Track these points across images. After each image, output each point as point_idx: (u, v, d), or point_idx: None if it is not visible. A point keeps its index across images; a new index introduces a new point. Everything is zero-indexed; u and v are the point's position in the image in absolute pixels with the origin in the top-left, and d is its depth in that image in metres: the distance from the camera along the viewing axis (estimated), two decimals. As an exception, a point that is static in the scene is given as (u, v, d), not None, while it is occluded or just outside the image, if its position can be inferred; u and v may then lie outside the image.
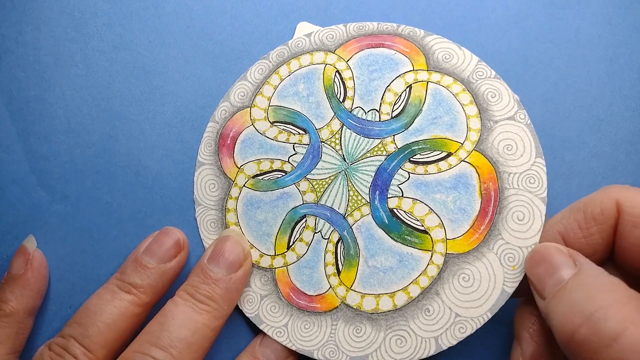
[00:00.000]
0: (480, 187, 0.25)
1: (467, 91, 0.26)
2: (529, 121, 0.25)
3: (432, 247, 0.24)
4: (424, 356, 0.23)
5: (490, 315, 0.23)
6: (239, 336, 0.26)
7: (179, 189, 0.28)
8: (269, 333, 0.25)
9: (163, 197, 0.28)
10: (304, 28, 0.29)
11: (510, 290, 0.23)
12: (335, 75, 0.28)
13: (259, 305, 0.26)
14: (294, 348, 0.25)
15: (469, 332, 0.23)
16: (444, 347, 0.23)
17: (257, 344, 0.25)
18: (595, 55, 0.27)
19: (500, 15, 0.28)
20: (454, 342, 0.23)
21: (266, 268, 0.26)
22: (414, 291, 0.24)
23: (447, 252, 0.24)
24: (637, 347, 0.16)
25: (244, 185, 0.27)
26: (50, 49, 0.29)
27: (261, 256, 0.26)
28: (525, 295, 0.23)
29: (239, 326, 0.26)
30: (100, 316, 0.23)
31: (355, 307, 0.25)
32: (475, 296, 0.23)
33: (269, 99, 0.28)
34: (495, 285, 0.23)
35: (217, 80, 0.29)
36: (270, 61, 0.29)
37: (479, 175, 0.25)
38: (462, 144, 0.25)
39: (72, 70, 0.28)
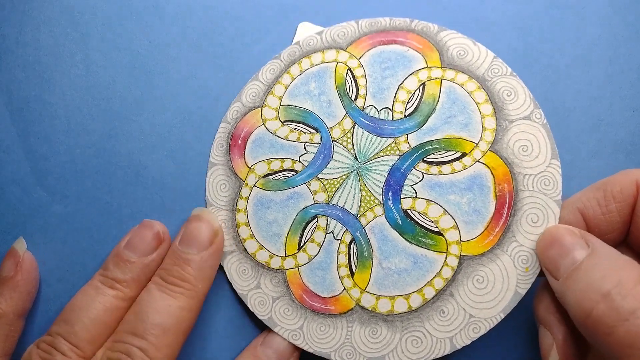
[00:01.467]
0: (495, 188, 0.25)
1: (482, 89, 0.25)
2: (545, 121, 0.25)
3: (447, 249, 0.24)
4: (439, 356, 0.24)
5: (503, 316, 0.23)
6: (239, 335, 0.26)
7: (179, 189, 0.27)
8: (285, 336, 0.25)
9: (163, 197, 0.27)
10: (305, 28, 0.28)
11: (523, 292, 0.23)
12: (347, 73, 0.27)
13: (272, 307, 0.26)
14: (310, 350, 0.25)
15: (483, 332, 0.23)
16: (459, 347, 0.24)
17: (258, 344, 0.25)
18: (595, 55, 0.27)
19: (499, 15, 0.27)
20: (468, 342, 0.23)
21: (277, 269, 0.26)
22: (429, 293, 0.24)
23: (462, 254, 0.24)
24: None
25: (254, 185, 0.27)
26: (50, 49, 0.28)
27: (271, 257, 0.26)
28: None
29: (240, 324, 0.26)
30: (85, 312, 0.24)
31: (370, 309, 0.25)
32: (489, 297, 0.24)
33: (280, 98, 0.27)
34: (509, 287, 0.24)
35: (217, 80, 0.28)
36: (281, 60, 0.28)
37: (494, 177, 0.25)
38: (476, 144, 0.25)
39: (72, 71, 0.28)
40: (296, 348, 0.25)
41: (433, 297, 0.24)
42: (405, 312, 0.24)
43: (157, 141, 0.28)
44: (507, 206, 0.24)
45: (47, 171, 0.28)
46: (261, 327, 0.26)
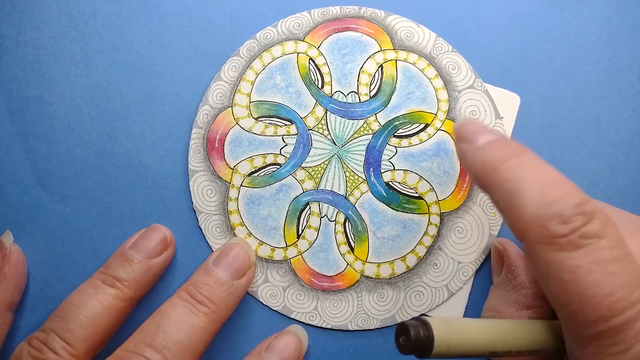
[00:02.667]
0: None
1: (432, 66, 0.29)
2: (486, 88, 0.29)
3: (428, 209, 0.28)
4: (440, 302, 0.27)
5: (484, 257, 0.28)
6: (244, 341, 0.27)
7: (180, 189, 0.27)
8: (301, 319, 0.27)
9: (163, 197, 0.27)
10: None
11: (496, 233, 0.28)
12: (309, 62, 0.28)
13: (284, 296, 0.27)
14: (328, 327, 0.27)
15: (471, 273, 0.28)
16: (454, 291, 0.27)
17: (262, 350, 0.26)
18: (594, 55, 0.28)
19: (499, 15, 0.28)
20: (461, 285, 0.27)
21: (281, 260, 0.27)
22: (421, 251, 0.28)
23: (441, 211, 0.28)
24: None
25: (241, 185, 0.27)
26: (50, 49, 0.28)
27: (273, 250, 0.27)
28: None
29: (244, 327, 0.27)
30: (83, 310, 0.23)
31: (374, 277, 0.27)
32: (470, 244, 0.28)
33: (249, 95, 0.28)
34: (484, 231, 0.28)
35: None
36: (241, 57, 0.28)
37: (454, 141, 0.28)
38: (435, 114, 0.28)
39: (72, 70, 0.27)
40: (301, 354, 0.26)
41: (425, 254, 0.28)
42: (404, 272, 0.27)
43: (157, 141, 0.27)
44: (469, 164, 0.28)
45: (47, 171, 0.27)
46: (265, 334, 0.27)
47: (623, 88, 0.28)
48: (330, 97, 0.28)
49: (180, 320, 0.23)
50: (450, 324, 0.20)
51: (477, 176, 0.22)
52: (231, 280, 0.25)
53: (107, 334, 0.24)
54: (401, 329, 0.19)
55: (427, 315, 0.27)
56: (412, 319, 0.27)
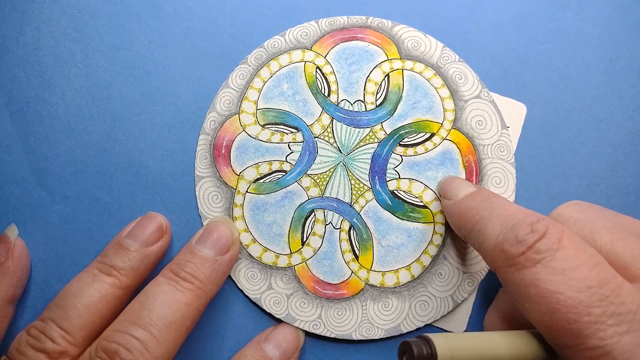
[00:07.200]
0: (463, 160, 0.28)
1: (438, 75, 0.29)
2: (492, 98, 0.29)
3: (433, 219, 0.28)
4: (445, 312, 0.27)
5: (488, 267, 0.27)
6: (244, 330, 0.27)
7: (179, 189, 0.27)
8: (305, 328, 0.26)
9: (163, 197, 0.27)
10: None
11: (501, 243, 0.28)
12: (316, 71, 0.28)
13: (287, 304, 0.27)
14: (332, 336, 0.26)
15: (476, 284, 0.27)
16: (459, 301, 0.27)
17: (261, 340, 0.26)
18: (594, 56, 0.28)
19: (500, 16, 0.29)
20: (466, 295, 0.27)
21: (285, 267, 0.27)
22: (426, 260, 0.27)
23: (447, 220, 0.28)
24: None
25: (246, 191, 0.27)
26: (50, 49, 0.28)
27: (277, 257, 0.27)
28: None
29: (245, 317, 0.27)
30: (80, 298, 0.23)
31: (379, 286, 0.27)
32: (475, 253, 0.28)
33: (256, 102, 0.28)
34: (489, 241, 0.28)
35: (218, 81, 0.28)
36: (249, 65, 0.28)
37: (460, 150, 0.28)
38: (441, 124, 0.28)
39: (72, 71, 0.28)
40: (298, 346, 0.26)
41: (430, 263, 0.27)
42: (409, 282, 0.27)
43: (157, 141, 0.28)
44: (474, 174, 0.28)
45: (47, 171, 0.28)
46: (263, 326, 0.27)
47: (623, 88, 0.28)
48: (337, 105, 0.28)
49: (164, 297, 0.23)
50: (452, 339, 0.20)
51: (455, 226, 0.25)
52: (215, 257, 0.25)
53: (105, 322, 0.24)
54: (404, 346, 0.19)
55: (433, 326, 0.27)
56: (416, 331, 0.27)
